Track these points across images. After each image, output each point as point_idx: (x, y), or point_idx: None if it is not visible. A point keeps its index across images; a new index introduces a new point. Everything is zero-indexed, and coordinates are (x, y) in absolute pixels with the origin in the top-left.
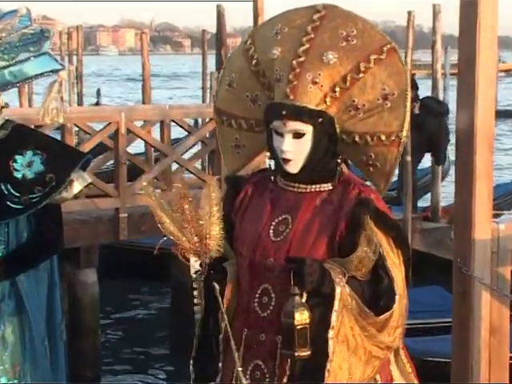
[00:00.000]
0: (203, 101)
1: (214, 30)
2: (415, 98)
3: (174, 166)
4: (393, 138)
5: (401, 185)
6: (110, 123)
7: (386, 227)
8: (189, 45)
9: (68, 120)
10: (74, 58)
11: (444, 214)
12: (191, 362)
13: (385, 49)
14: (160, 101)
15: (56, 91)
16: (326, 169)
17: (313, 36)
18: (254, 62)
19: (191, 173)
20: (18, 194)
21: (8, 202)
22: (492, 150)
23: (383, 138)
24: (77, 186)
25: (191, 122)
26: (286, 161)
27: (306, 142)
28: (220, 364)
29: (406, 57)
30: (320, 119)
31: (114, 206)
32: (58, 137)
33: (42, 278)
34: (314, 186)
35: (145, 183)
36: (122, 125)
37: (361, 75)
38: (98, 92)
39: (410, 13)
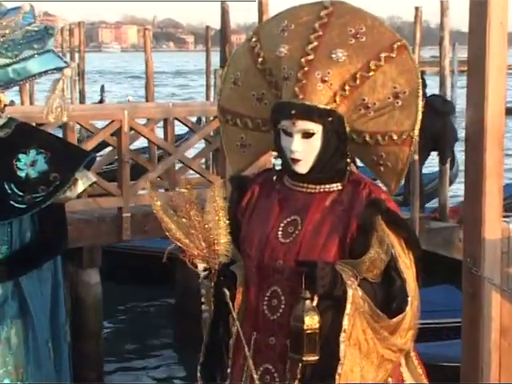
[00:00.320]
0: (207, 98)
1: (217, 26)
2: (422, 96)
3: (178, 165)
4: (404, 137)
5: (408, 185)
6: (112, 121)
7: (397, 228)
8: (192, 41)
9: (70, 118)
10: (76, 55)
11: (452, 213)
12: (199, 367)
13: (395, 46)
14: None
15: (60, 89)
16: (336, 169)
17: (321, 33)
18: (260, 59)
19: (195, 171)
20: (21, 194)
21: (11, 202)
22: (502, 148)
23: (395, 137)
24: (81, 186)
25: (194, 119)
26: (295, 161)
27: (316, 142)
28: (229, 370)
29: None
30: (330, 118)
31: (116, 206)
32: (60, 134)
33: (46, 278)
34: (323, 186)
35: (149, 186)
36: (125, 123)
37: (371, 73)
38: (102, 89)
39: (417, 8)
